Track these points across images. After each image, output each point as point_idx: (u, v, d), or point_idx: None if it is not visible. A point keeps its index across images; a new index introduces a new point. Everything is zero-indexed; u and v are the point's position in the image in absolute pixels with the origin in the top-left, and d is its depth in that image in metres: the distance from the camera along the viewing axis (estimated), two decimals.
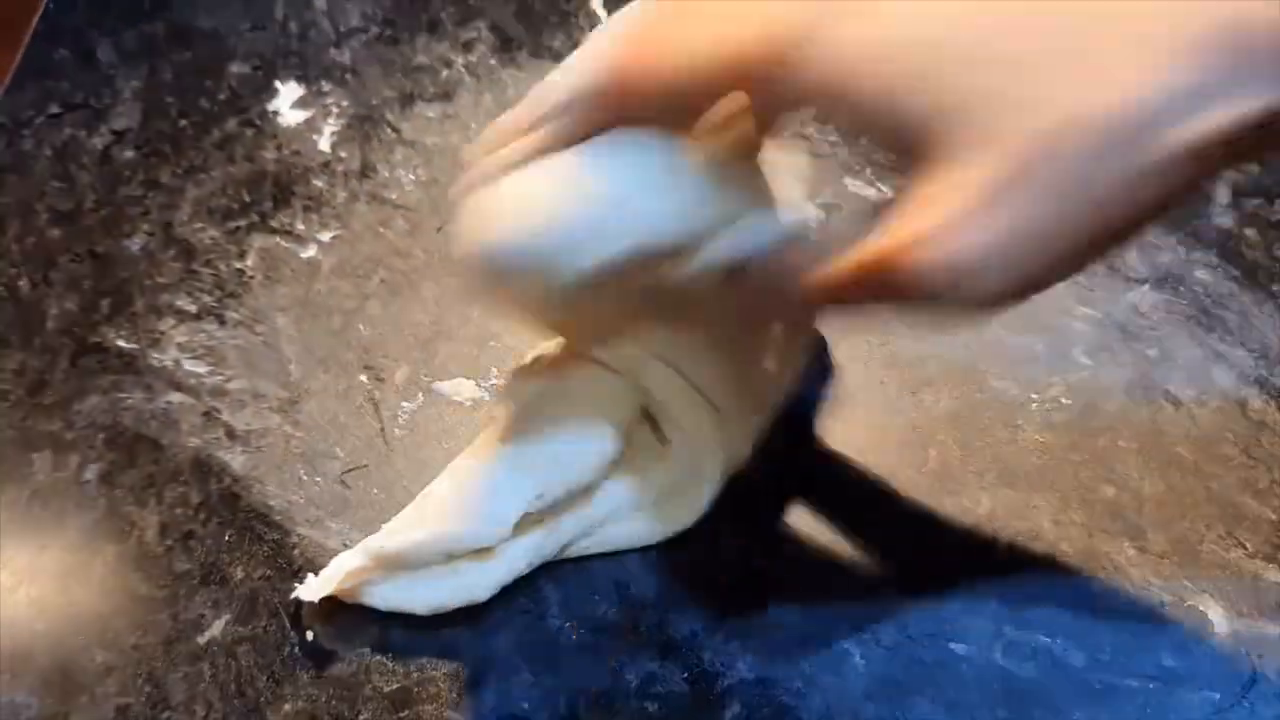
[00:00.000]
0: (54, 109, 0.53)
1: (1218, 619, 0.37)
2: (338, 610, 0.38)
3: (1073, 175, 0.24)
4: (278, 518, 0.41)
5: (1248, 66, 0.24)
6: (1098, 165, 0.24)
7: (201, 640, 0.39)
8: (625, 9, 0.32)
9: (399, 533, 0.37)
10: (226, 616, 0.39)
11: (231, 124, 0.52)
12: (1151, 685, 0.36)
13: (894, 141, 0.26)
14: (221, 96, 0.53)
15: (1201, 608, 0.37)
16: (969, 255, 0.24)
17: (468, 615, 0.38)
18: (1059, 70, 0.24)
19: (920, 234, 0.25)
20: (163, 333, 0.46)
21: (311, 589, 0.37)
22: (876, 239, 0.26)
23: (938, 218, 0.25)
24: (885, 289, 0.26)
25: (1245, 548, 0.38)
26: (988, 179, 0.24)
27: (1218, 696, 0.35)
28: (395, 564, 0.37)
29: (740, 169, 0.32)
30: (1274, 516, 0.39)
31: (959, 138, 0.24)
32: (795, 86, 0.27)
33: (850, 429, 0.42)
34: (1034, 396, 0.42)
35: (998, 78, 0.24)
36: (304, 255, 0.48)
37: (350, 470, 0.42)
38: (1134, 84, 0.23)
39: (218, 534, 0.41)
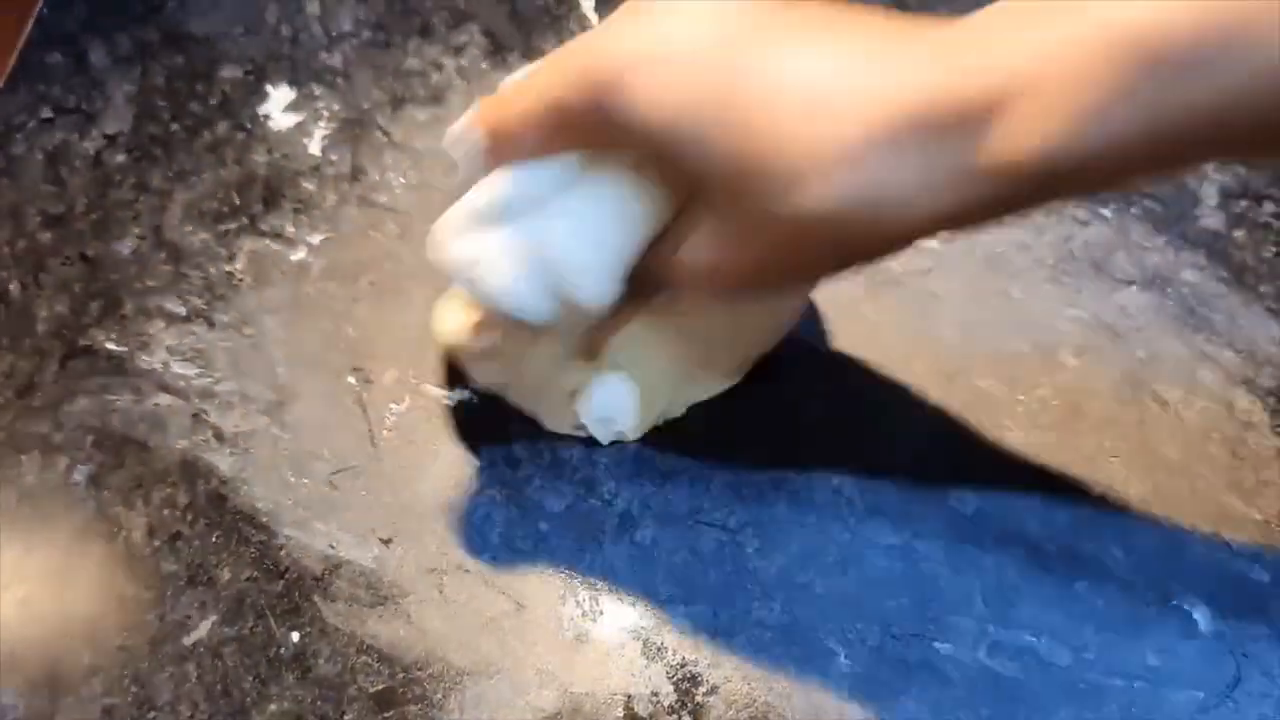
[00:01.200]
0: (46, 113, 0.53)
1: (1203, 618, 0.37)
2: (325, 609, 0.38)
3: (776, 247, 0.31)
4: (265, 519, 0.41)
5: (935, 166, 0.28)
6: (780, 229, 0.30)
7: (188, 641, 0.39)
8: None
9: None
10: (213, 617, 0.39)
11: (222, 128, 0.52)
12: (1136, 684, 0.36)
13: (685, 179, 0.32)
14: (213, 100, 0.53)
15: (1187, 607, 0.37)
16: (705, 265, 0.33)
17: (450, 617, 0.38)
18: (773, 164, 0.29)
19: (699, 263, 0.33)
20: (152, 335, 0.46)
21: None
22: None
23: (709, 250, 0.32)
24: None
25: (1231, 547, 0.38)
26: (732, 233, 0.32)
27: (1202, 695, 0.35)
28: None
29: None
30: (1259, 516, 0.39)
31: (717, 198, 0.31)
32: (608, 132, 0.31)
33: (838, 430, 0.42)
34: (1021, 397, 0.42)
35: (735, 159, 0.29)
36: (293, 258, 0.48)
37: (338, 471, 0.42)
38: (814, 192, 0.28)
39: (205, 535, 0.41)
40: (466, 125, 0.35)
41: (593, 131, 0.32)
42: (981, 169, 0.27)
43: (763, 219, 0.30)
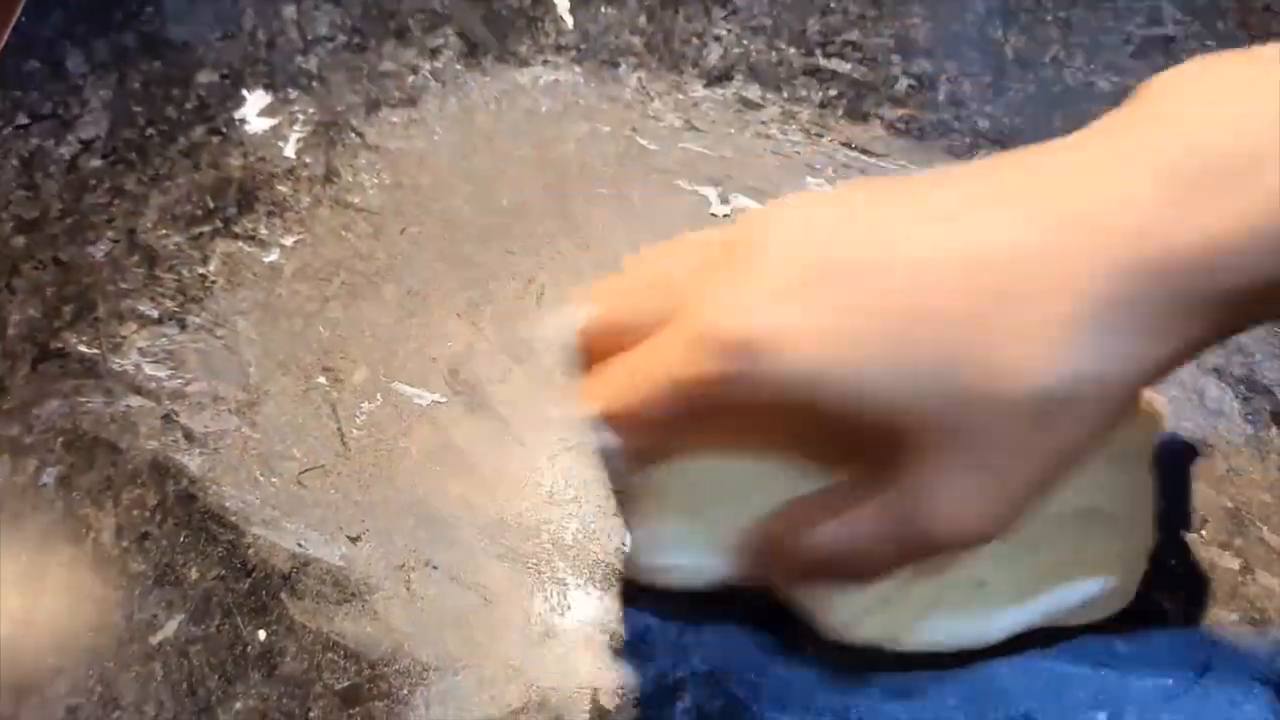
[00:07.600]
0: (22, 119, 0.53)
1: (1172, 605, 0.37)
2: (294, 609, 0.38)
3: (1020, 455, 0.26)
4: (233, 518, 0.41)
5: (1161, 313, 0.24)
6: (1036, 441, 0.25)
7: (154, 640, 0.39)
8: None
9: None
10: (180, 617, 0.39)
11: (198, 132, 0.53)
12: (1104, 671, 0.35)
13: (858, 434, 0.27)
14: (189, 105, 0.54)
15: (1155, 594, 0.37)
16: (974, 526, 0.27)
17: (417, 614, 0.38)
18: (982, 360, 0.25)
19: (938, 513, 0.27)
20: (124, 338, 0.46)
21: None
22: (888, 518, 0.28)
23: (946, 500, 0.27)
24: (912, 552, 0.29)
25: (1200, 535, 0.38)
26: (969, 465, 0.26)
27: (1170, 682, 0.35)
28: None
29: None
30: (1229, 504, 0.39)
31: (928, 436, 0.26)
32: (753, 404, 0.27)
33: None
34: None
35: (935, 377, 0.25)
36: (266, 260, 0.48)
37: (307, 470, 0.42)
38: (1040, 370, 0.24)
39: (173, 535, 0.41)
40: (596, 427, 0.30)
41: (736, 406, 0.27)
42: (1204, 303, 0.24)
43: (998, 431, 0.25)
